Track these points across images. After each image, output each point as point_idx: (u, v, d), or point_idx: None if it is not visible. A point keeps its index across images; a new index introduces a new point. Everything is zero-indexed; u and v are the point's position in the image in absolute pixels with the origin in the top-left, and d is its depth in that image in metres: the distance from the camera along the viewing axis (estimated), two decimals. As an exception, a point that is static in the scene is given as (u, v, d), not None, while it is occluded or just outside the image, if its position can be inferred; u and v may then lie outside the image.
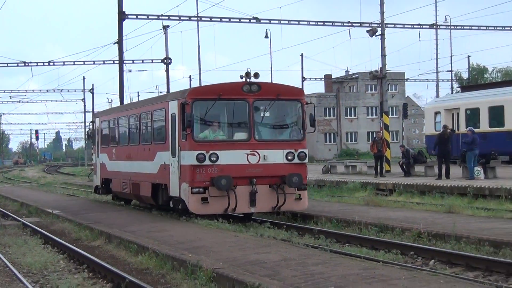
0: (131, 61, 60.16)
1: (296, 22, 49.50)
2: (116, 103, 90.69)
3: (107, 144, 29.23)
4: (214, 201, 19.66)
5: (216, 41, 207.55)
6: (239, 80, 20.64)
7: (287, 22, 49.05)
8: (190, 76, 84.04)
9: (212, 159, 19.48)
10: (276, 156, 20.27)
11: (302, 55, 76.68)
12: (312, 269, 12.08)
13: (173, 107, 20.73)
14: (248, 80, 20.35)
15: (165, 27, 52.50)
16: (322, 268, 12.11)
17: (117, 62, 49.73)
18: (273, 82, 23.07)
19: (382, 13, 40.43)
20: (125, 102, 47.63)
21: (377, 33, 39.96)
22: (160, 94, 30.61)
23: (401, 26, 50.30)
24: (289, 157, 20.35)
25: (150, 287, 12.19)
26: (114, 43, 49.54)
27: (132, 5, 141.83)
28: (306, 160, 20.92)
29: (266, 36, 56.64)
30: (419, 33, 55.72)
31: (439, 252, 15.17)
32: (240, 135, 20.55)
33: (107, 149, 28.88)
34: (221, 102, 20.21)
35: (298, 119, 21.27)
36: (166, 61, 55.52)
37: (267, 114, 21.23)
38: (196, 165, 19.43)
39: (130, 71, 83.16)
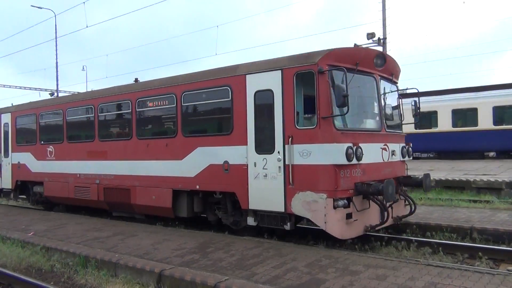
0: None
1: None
2: None
3: (28, 141, 19.15)
4: (360, 218, 10.46)
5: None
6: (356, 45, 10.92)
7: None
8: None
9: (358, 155, 10.20)
10: (398, 152, 11.93)
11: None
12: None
13: (261, 81, 10.99)
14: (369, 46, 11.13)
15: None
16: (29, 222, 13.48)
17: None
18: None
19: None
20: None
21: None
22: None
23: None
24: (403, 153, 12.18)
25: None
26: None
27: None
28: (411, 157, 12.50)
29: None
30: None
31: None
32: (371, 123, 11.38)
33: (30, 147, 18.90)
34: (355, 76, 10.61)
35: (399, 106, 12.77)
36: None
37: (385, 96, 11.95)
38: (341, 165, 9.96)
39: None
